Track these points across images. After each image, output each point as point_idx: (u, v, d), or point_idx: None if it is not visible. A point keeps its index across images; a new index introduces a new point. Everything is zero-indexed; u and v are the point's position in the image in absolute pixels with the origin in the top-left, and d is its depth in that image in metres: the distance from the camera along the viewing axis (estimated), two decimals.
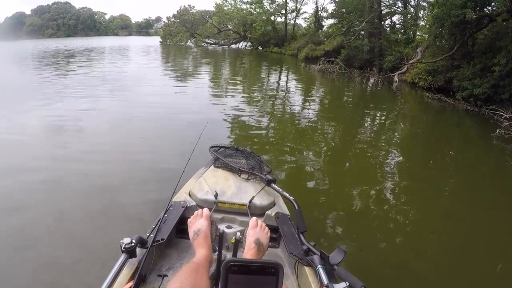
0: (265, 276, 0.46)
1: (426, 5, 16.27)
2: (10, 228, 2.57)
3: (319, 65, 15.85)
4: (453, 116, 8.00)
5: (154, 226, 1.54)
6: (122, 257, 1.27)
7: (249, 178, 2.04)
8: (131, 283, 1.23)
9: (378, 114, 8.06)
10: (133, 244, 1.28)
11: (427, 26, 13.64)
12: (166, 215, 1.63)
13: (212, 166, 2.22)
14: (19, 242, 2.43)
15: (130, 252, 1.28)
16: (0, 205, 2.91)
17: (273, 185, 1.90)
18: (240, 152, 2.36)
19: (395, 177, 4.18)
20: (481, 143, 6.01)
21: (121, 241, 1.28)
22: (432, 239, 2.91)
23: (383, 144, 5.60)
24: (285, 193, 1.83)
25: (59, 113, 6.01)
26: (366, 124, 7.01)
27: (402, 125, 7.30)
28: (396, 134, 6.45)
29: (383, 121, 7.45)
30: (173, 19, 33.98)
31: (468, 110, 8.00)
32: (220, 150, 2.42)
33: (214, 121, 5.82)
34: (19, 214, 2.77)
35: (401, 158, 4.94)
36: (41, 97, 7.33)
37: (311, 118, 6.99)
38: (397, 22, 18.74)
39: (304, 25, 32.25)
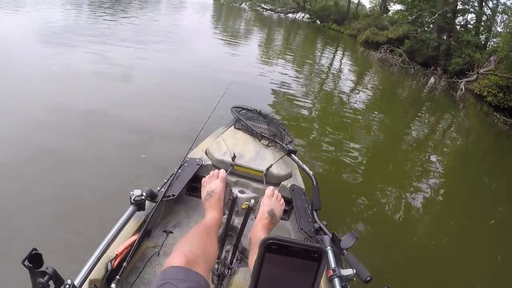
0: (306, 260, 0.41)
1: (509, 9, 14.78)
2: (48, 165, 2.68)
3: (380, 53, 15.13)
4: None
5: (166, 181, 1.51)
6: (130, 209, 1.25)
7: (269, 144, 1.96)
8: (136, 236, 1.22)
9: (431, 120, 7.40)
10: (143, 197, 1.27)
11: (505, 33, 12.23)
12: (179, 171, 1.60)
13: (233, 127, 2.14)
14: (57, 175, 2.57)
15: (139, 205, 1.26)
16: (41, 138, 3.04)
17: (293, 156, 1.85)
18: (262, 117, 2.28)
19: (428, 189, 3.91)
20: None
21: (131, 193, 1.26)
22: (456, 253, 2.88)
23: (427, 153, 5.23)
24: (304, 166, 1.77)
25: (108, 58, 6.07)
26: (414, 127, 6.57)
27: (455, 139, 6.66)
28: (444, 147, 5.95)
29: (434, 128, 6.90)
30: None
31: None
32: (242, 111, 2.33)
33: (249, 85, 5.91)
34: (58, 153, 2.86)
35: (441, 172, 4.61)
36: (94, 41, 7.08)
37: (355, 106, 6.64)
38: (471, 22, 17.19)
39: (368, 6, 30.63)
